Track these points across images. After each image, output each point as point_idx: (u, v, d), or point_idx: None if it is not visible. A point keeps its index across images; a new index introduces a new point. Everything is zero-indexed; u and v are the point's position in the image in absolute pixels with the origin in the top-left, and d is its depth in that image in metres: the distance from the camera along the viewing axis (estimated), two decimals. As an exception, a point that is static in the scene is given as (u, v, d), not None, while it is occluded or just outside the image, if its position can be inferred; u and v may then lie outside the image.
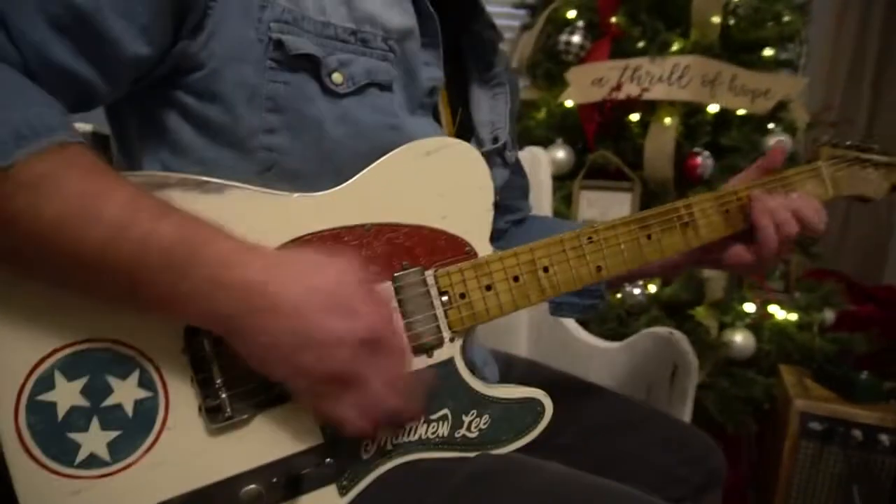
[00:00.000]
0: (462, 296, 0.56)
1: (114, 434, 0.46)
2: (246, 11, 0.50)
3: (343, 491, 0.52)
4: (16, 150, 0.39)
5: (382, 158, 0.55)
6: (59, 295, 0.45)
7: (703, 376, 1.38)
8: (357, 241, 0.53)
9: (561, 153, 1.52)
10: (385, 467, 0.53)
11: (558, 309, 0.84)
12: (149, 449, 0.47)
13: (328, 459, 0.51)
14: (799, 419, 1.21)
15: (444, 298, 0.55)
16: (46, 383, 0.45)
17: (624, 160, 1.47)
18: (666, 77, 1.38)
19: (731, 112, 1.43)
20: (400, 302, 0.54)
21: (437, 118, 0.65)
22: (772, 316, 1.42)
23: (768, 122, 1.45)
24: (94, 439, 0.46)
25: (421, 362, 0.55)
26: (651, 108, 1.45)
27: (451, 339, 0.56)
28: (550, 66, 1.58)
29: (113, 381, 0.47)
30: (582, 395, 0.83)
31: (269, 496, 0.49)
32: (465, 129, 0.69)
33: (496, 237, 0.86)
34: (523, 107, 1.73)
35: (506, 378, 0.80)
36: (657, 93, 1.39)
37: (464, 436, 0.56)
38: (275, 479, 0.50)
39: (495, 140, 0.68)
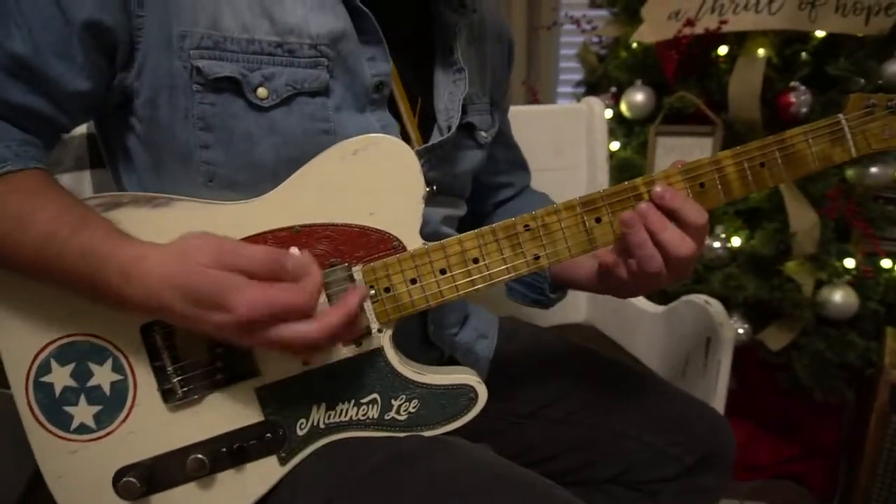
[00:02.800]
0: (387, 290, 0.59)
1: (97, 408, 0.58)
2: (168, 43, 0.56)
3: (283, 461, 0.60)
4: None
5: (311, 161, 0.59)
6: (49, 297, 0.56)
7: (792, 337, 1.26)
8: (288, 243, 0.58)
9: (639, 96, 1.42)
10: (320, 442, 0.60)
11: (510, 293, 0.84)
12: (123, 420, 0.59)
13: (268, 434, 0.59)
14: (890, 391, 1.06)
15: (372, 292, 0.59)
16: (45, 368, 0.58)
17: (710, 100, 1.33)
18: (753, 4, 1.21)
19: (839, 36, 1.22)
20: (329, 297, 0.59)
21: (395, 110, 0.67)
22: (882, 271, 1.24)
23: (891, 44, 1.21)
24: (83, 412, 0.58)
25: (349, 351, 0.60)
26: (742, 40, 1.28)
27: (379, 330, 0.60)
28: (631, -1, 1.45)
29: (93, 367, 0.58)
30: (584, 366, 0.82)
31: (215, 464, 0.59)
32: (427, 118, 0.70)
33: (486, 221, 0.87)
34: (608, 45, 1.62)
35: (501, 352, 0.82)
36: (741, 23, 1.22)
37: (393, 418, 0.61)
38: (224, 449, 0.59)
39: (449, 129, 0.68)
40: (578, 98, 1.64)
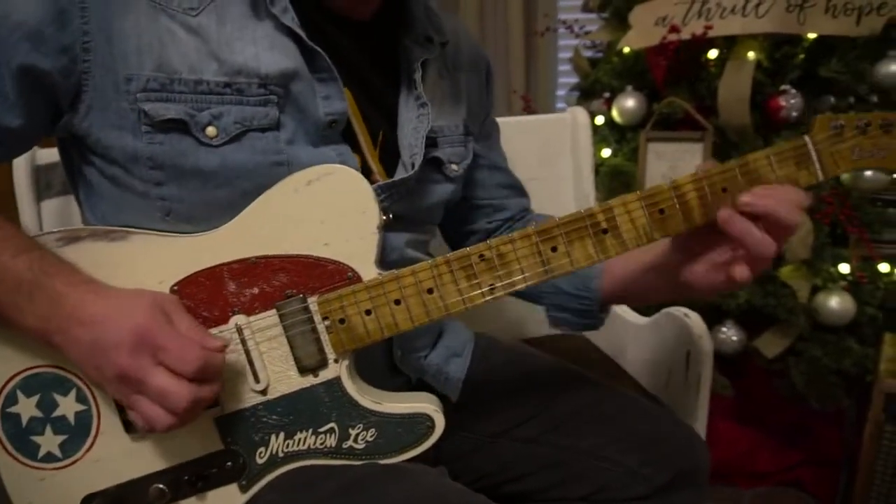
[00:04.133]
0: (342, 321, 0.60)
1: (62, 437, 0.60)
2: (116, 86, 0.57)
3: (243, 489, 0.61)
4: None
5: (266, 192, 0.60)
6: (10, 333, 0.58)
7: (787, 344, 1.25)
8: (243, 275, 0.59)
9: (630, 102, 1.41)
10: (280, 470, 0.61)
11: (556, 323, 0.84)
12: (88, 449, 0.60)
13: (228, 462, 0.61)
14: (884, 400, 1.05)
15: (327, 323, 0.60)
16: (12, 399, 0.60)
17: (701, 105, 1.32)
18: (740, 7, 1.19)
19: (831, 38, 1.19)
20: (285, 328, 0.60)
21: (356, 144, 0.67)
22: (880, 275, 1.21)
23: (884, 45, 1.18)
24: (49, 441, 0.60)
25: (307, 381, 0.61)
26: (731, 43, 1.26)
27: (336, 360, 0.61)
28: (620, 4, 1.44)
29: (58, 398, 0.60)
30: (557, 384, 0.82)
31: (178, 492, 0.60)
32: (391, 153, 0.70)
33: (485, 240, 0.87)
34: (602, 50, 1.60)
35: (476, 370, 0.82)
36: (728, 27, 1.21)
37: (351, 447, 0.61)
38: (185, 477, 0.60)
39: (413, 165, 0.68)
40: (570, 103, 1.64)
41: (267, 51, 0.60)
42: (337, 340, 0.60)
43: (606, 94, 1.50)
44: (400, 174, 0.69)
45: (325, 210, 0.60)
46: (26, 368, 0.59)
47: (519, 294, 0.83)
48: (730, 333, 1.31)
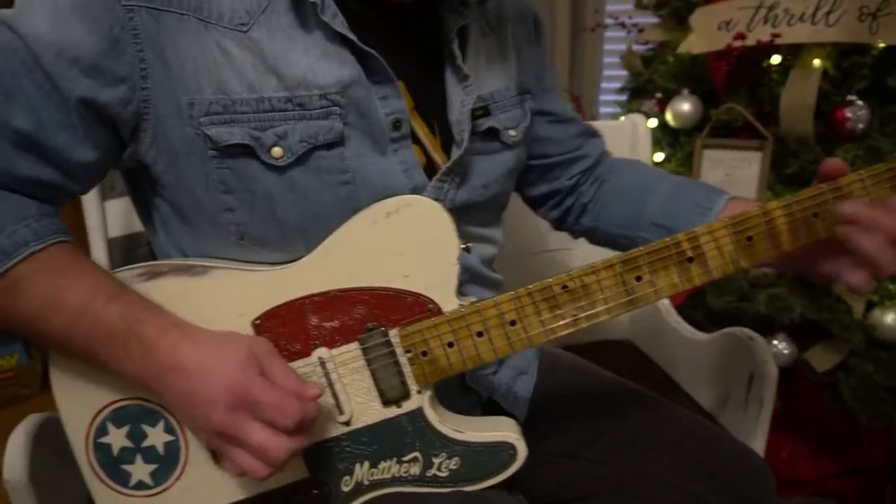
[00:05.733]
0: (424, 353, 0.60)
1: (153, 466, 0.62)
2: (178, 112, 0.56)
3: (329, 516, 0.62)
4: None
5: (345, 224, 0.60)
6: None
7: (839, 359, 1.22)
8: (324, 308, 0.60)
9: (686, 105, 1.37)
10: (365, 497, 0.62)
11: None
12: (178, 477, 0.62)
13: (314, 490, 0.62)
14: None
15: (409, 355, 0.60)
16: (102, 430, 0.61)
17: (760, 112, 1.28)
18: (809, 15, 1.15)
19: (902, 46, 1.15)
20: (367, 361, 0.60)
21: (417, 139, 0.66)
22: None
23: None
24: (140, 470, 0.62)
25: (390, 412, 0.61)
26: (796, 50, 1.22)
27: (419, 391, 0.61)
28: (679, 4, 1.40)
29: (146, 429, 0.61)
30: (622, 405, 0.81)
31: (267, 519, 0.61)
32: (448, 137, 0.68)
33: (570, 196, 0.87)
34: (655, 49, 1.57)
35: (542, 386, 0.82)
36: (796, 35, 1.17)
37: (434, 475, 0.62)
38: (273, 505, 0.62)
39: (462, 143, 0.66)
40: (621, 104, 1.61)
41: (320, 61, 0.58)
42: (419, 373, 0.60)
43: (658, 95, 1.47)
44: (455, 156, 0.66)
45: (404, 242, 0.60)
46: (114, 401, 0.61)
47: (614, 248, 0.84)
48: (781, 347, 1.28)
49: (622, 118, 1.27)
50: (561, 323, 0.60)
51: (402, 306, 0.60)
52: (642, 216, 0.80)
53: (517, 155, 0.76)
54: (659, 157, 1.42)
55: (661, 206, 0.79)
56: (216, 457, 0.61)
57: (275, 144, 0.58)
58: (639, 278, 0.60)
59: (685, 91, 1.38)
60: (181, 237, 0.64)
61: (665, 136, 1.44)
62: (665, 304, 1.12)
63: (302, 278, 0.60)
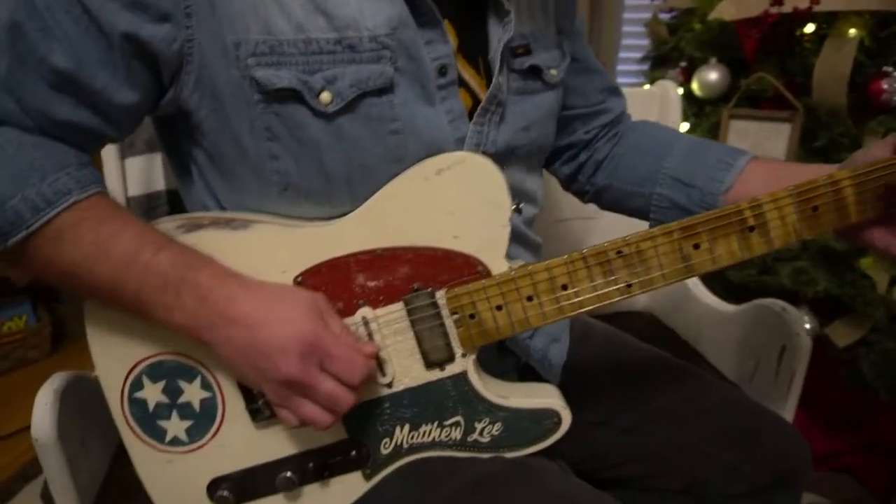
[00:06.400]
0: (472, 316, 0.58)
1: (188, 423, 0.60)
2: (224, 53, 0.53)
3: (367, 477, 0.61)
4: (34, 220, 0.50)
5: (394, 180, 0.58)
6: (137, 320, 0.57)
7: (860, 335, 1.22)
8: (369, 266, 0.58)
9: (714, 75, 1.34)
10: (403, 461, 0.61)
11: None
12: (214, 435, 0.60)
13: (353, 452, 0.61)
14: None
15: (455, 317, 0.59)
16: (138, 385, 0.59)
17: (791, 83, 1.25)
18: (848, -22, 1.11)
19: (943, 14, 1.12)
20: (412, 322, 0.59)
21: (464, 83, 0.63)
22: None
23: None
24: (176, 426, 0.60)
25: (433, 375, 0.60)
26: (832, 19, 1.19)
27: (463, 355, 0.59)
28: (709, -33, 1.36)
29: (183, 384, 0.60)
30: (654, 374, 0.81)
31: (304, 478, 0.60)
32: (491, 78, 0.64)
33: (586, 151, 0.84)
34: (679, 17, 1.53)
35: (575, 355, 0.81)
36: (834, 2, 1.13)
37: (476, 440, 0.61)
38: (310, 465, 0.60)
39: (499, 83, 0.63)
40: (644, 74, 1.57)
41: (368, 0, 0.55)
42: (465, 336, 0.59)
43: (683, 64, 1.43)
44: (489, 93, 0.63)
45: (455, 200, 0.58)
46: (151, 356, 0.59)
47: (622, 211, 0.82)
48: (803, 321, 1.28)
49: (646, 86, 1.24)
50: (614, 289, 0.59)
51: (450, 267, 0.58)
52: (659, 171, 0.77)
53: (558, 96, 0.73)
54: (683, 126, 1.40)
55: (679, 162, 0.77)
56: (254, 415, 0.60)
57: (323, 89, 0.55)
58: (697, 246, 0.58)
59: (713, 60, 1.35)
60: (220, 190, 0.62)
61: (689, 106, 1.41)
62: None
63: (347, 235, 0.58)
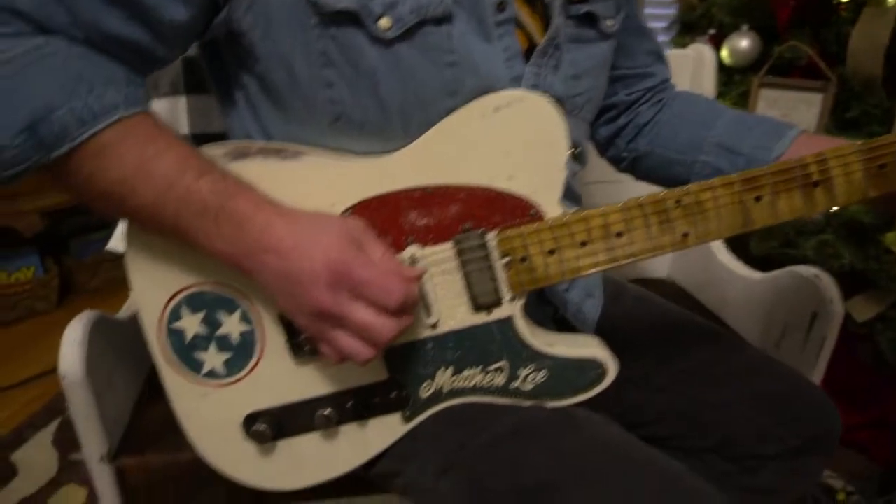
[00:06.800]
0: (523, 259, 0.57)
1: (226, 356, 0.59)
2: None
3: (406, 420, 0.60)
4: (80, 133, 0.47)
5: (449, 116, 0.56)
6: (181, 246, 0.55)
7: (880, 310, 1.22)
8: (420, 203, 0.56)
9: (745, 42, 1.31)
10: (444, 404, 0.60)
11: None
12: (252, 369, 0.59)
13: (393, 393, 0.59)
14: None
15: (506, 260, 0.57)
16: (176, 315, 0.58)
17: (824, 52, 1.23)
18: (894, -57, 1.08)
19: None
20: (461, 263, 0.57)
21: (521, 24, 0.61)
22: None
23: None
24: (213, 358, 0.59)
25: (479, 318, 0.58)
26: (871, -16, 1.16)
27: (511, 299, 0.58)
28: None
29: (222, 316, 0.58)
30: (688, 335, 0.80)
31: (343, 417, 0.59)
32: (549, 21, 0.63)
33: (626, 113, 0.82)
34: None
35: (608, 313, 0.80)
36: (877, -34, 1.11)
37: (518, 388, 0.60)
38: (349, 404, 0.59)
39: (557, 26, 0.61)
40: (674, 41, 1.54)
41: None
42: (515, 280, 0.57)
43: (712, 31, 1.40)
44: (547, 36, 0.62)
45: (510, 140, 0.56)
46: (191, 285, 0.57)
47: (658, 180, 0.81)
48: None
49: (675, 50, 1.20)
50: (669, 238, 0.57)
51: (503, 209, 0.57)
52: (705, 139, 0.76)
53: (611, 49, 0.71)
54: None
55: (725, 130, 0.75)
56: (295, 350, 0.58)
57: (383, 14, 0.52)
58: (758, 198, 0.57)
59: (744, 27, 1.32)
60: (268, 120, 0.59)
61: (718, 74, 1.38)
62: (717, 242, 1.10)
63: (399, 170, 0.56)
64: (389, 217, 0.56)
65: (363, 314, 0.49)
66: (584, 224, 0.57)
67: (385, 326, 0.50)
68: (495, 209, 0.57)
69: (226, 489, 0.81)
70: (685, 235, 0.57)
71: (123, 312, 0.89)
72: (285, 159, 0.56)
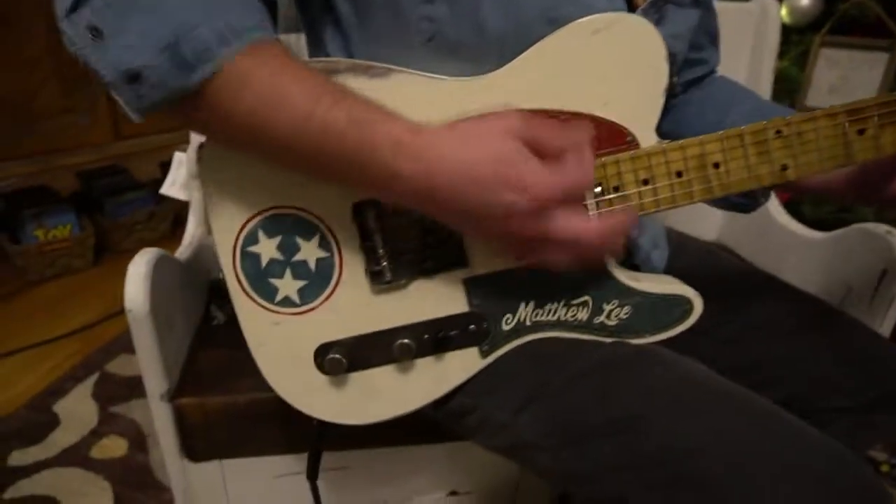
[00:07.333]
0: (616, 188, 0.55)
1: (301, 283, 0.57)
2: None
3: (484, 354, 0.58)
4: (220, 52, 0.44)
5: (545, 38, 0.53)
6: (259, 169, 0.54)
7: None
8: (511, 128, 0.54)
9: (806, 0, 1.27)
10: (523, 339, 0.58)
11: None
12: (327, 298, 0.57)
13: (472, 325, 0.58)
14: None
15: (598, 189, 0.55)
16: (252, 238, 0.56)
17: (891, 11, 1.18)
18: None
19: None
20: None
21: None
22: None
23: None
24: (288, 285, 0.57)
25: (566, 250, 0.56)
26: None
27: (601, 231, 0.56)
28: None
29: (300, 241, 0.56)
30: (756, 288, 0.78)
31: (419, 349, 0.57)
32: None
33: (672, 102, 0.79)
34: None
35: (675, 263, 0.78)
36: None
37: (602, 323, 0.58)
38: (426, 336, 0.58)
39: None
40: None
41: None
42: (609, 209, 0.55)
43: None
44: None
45: (609, 65, 0.53)
46: (270, 208, 0.56)
47: None
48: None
49: (737, 3, 1.16)
50: (768, 170, 0.55)
51: (598, 135, 0.54)
52: (721, 123, 0.71)
53: (697, 18, 0.69)
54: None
55: (742, 116, 0.72)
56: (374, 278, 0.56)
57: None
58: (862, 131, 0.54)
59: (806, -17, 1.27)
60: (354, 38, 0.58)
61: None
62: (774, 203, 1.07)
63: (491, 92, 0.54)
64: (477, 140, 0.54)
65: (567, 227, 0.47)
66: (680, 153, 0.54)
67: (595, 230, 0.47)
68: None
69: (280, 431, 0.81)
70: (784, 168, 0.54)
71: (180, 254, 0.89)
72: (374, 77, 0.53)
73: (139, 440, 1.31)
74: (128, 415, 1.38)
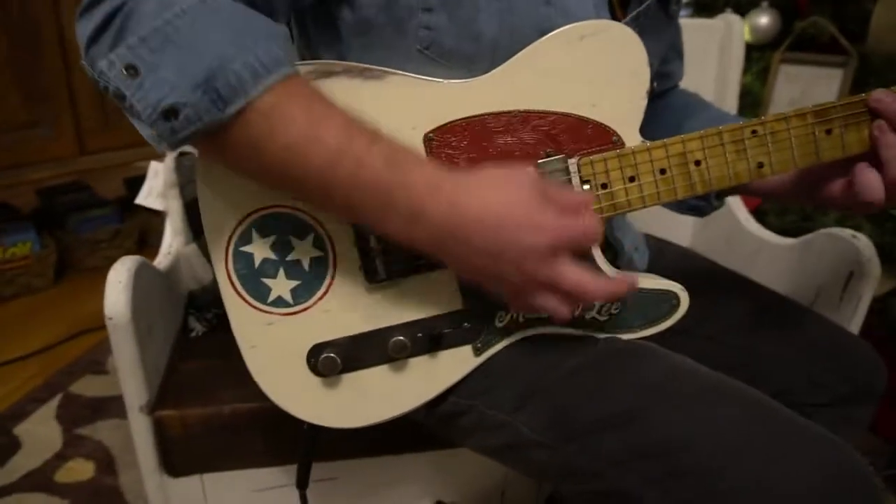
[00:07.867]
0: (604, 186, 0.56)
1: (295, 283, 0.57)
2: None
3: (477, 352, 0.59)
4: (254, 86, 0.44)
5: (535, 43, 0.55)
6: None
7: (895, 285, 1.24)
8: (503, 128, 0.55)
9: (764, 19, 1.33)
10: (516, 337, 0.59)
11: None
12: (321, 297, 0.57)
13: (466, 324, 0.58)
14: None
15: (586, 187, 0.56)
16: (246, 238, 0.56)
17: (844, 29, 1.25)
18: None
19: None
20: (543, 187, 0.56)
21: None
22: None
23: None
24: (281, 285, 0.57)
25: (556, 247, 0.57)
26: (891, -38, 1.19)
27: (590, 227, 0.57)
28: None
29: (294, 241, 0.56)
30: (733, 289, 0.80)
31: (413, 348, 0.58)
32: None
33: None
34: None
35: (655, 265, 0.80)
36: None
37: (594, 318, 0.59)
38: (420, 335, 0.58)
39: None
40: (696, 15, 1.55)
41: None
42: (596, 207, 0.57)
43: (728, 10, 1.42)
44: (634, 8, 0.63)
45: (595, 69, 0.55)
46: (264, 207, 0.55)
47: None
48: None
49: (703, 20, 1.22)
50: (745, 168, 0.57)
51: (585, 136, 0.56)
52: (677, 131, 0.77)
53: (671, 34, 0.72)
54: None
55: (698, 124, 0.74)
56: (368, 276, 0.57)
57: None
58: (829, 132, 0.57)
59: (764, 3, 1.34)
60: (349, 45, 0.58)
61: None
62: (743, 212, 1.11)
63: (483, 94, 0.55)
64: (473, 140, 0.55)
65: (575, 274, 0.47)
66: (664, 150, 0.56)
67: (598, 287, 0.48)
68: (578, 136, 0.56)
69: (263, 442, 0.79)
70: (760, 165, 0.57)
71: (158, 263, 0.87)
72: (369, 79, 0.54)
73: (107, 462, 1.26)
74: (94, 436, 1.33)
